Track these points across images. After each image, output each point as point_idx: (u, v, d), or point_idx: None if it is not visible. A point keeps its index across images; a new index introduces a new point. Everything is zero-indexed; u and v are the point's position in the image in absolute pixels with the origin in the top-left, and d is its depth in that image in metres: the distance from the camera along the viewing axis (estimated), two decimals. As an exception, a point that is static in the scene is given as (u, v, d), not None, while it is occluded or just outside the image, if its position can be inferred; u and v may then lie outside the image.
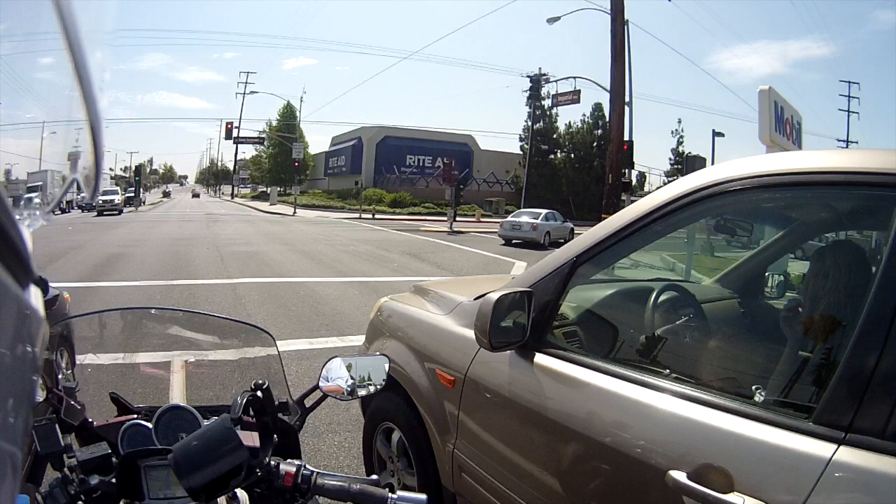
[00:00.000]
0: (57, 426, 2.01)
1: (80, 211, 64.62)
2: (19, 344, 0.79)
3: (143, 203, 77.21)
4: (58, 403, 2.33)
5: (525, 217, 35.72)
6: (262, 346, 2.76)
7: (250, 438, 2.06)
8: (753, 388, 2.42)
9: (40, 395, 2.26)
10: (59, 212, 66.01)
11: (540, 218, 35.15)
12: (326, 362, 2.46)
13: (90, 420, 2.39)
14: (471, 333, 3.34)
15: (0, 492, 0.71)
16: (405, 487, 4.23)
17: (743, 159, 2.64)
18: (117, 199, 62.44)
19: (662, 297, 3.55)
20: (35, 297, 0.87)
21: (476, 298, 3.82)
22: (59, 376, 2.63)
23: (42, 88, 1.01)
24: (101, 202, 59.03)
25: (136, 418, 2.39)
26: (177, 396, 3.06)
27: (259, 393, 2.31)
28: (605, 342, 3.42)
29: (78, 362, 2.92)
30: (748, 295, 4.32)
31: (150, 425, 2.30)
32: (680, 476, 2.22)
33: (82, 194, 1.10)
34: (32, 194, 1.23)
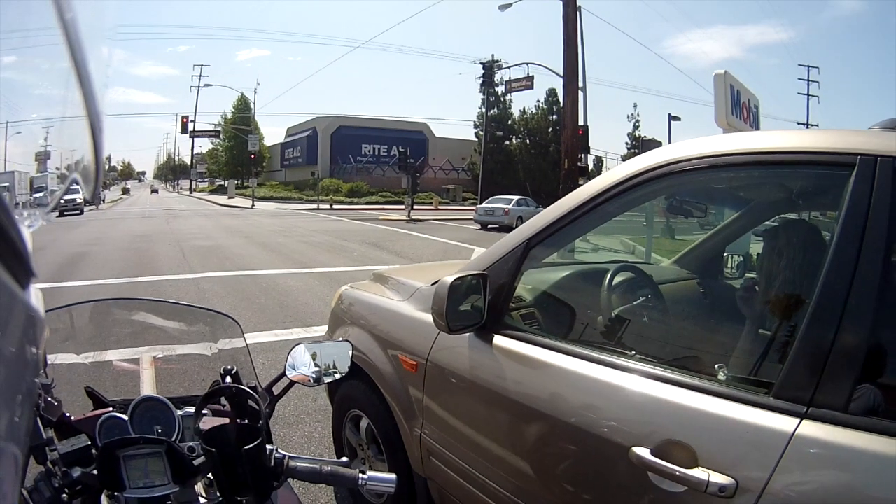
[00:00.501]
0: (38, 419, 2.01)
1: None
2: (20, 344, 0.80)
3: (104, 201, 75.70)
4: (37, 399, 2.35)
5: (499, 203, 38.77)
6: (229, 336, 2.78)
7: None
8: (715, 366, 2.47)
9: None
10: (16, 213, 65.50)
11: (512, 203, 38.30)
12: (291, 350, 2.46)
13: (68, 415, 2.41)
14: (430, 318, 3.36)
15: (6, 491, 0.73)
16: None
17: (697, 139, 2.69)
18: (79, 197, 61.55)
19: (618, 279, 3.60)
20: (35, 297, 0.87)
21: (433, 283, 3.81)
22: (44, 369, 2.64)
23: (4, 87, 1.02)
24: (62, 202, 58.01)
25: (112, 411, 2.41)
26: (148, 390, 3.09)
27: (229, 378, 2.34)
28: (562, 323, 3.48)
29: (49, 361, 2.93)
30: (706, 275, 4.39)
31: (125, 417, 2.31)
32: (643, 452, 2.27)
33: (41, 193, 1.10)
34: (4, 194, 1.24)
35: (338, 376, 2.47)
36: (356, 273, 15.76)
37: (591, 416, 2.59)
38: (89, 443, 2.09)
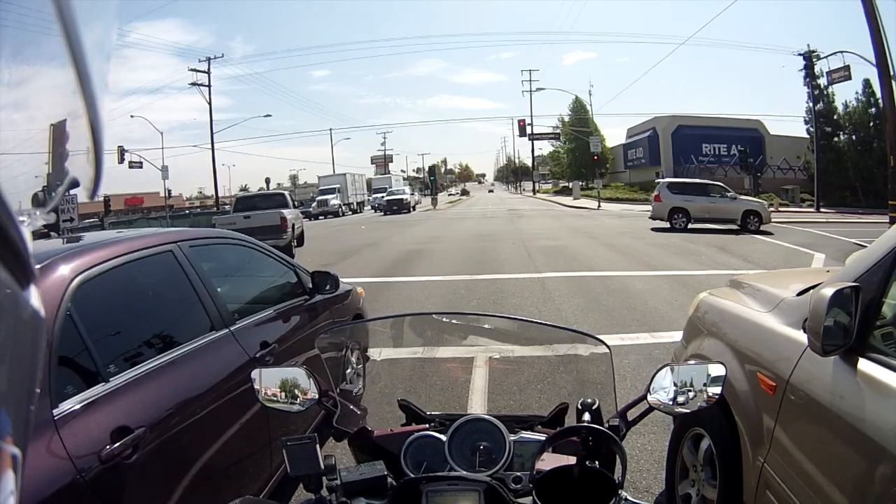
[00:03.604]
0: (317, 446, 1.95)
1: (372, 211, 68.74)
2: (18, 344, 0.81)
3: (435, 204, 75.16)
4: (332, 408, 2.35)
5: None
6: (583, 347, 2.65)
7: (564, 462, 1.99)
8: None
9: (315, 395, 2.29)
10: (350, 212, 69.14)
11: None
12: (656, 372, 2.28)
13: (370, 429, 2.39)
14: (796, 333, 3.19)
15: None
16: (703, 500, 4.09)
17: None
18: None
19: None
20: (35, 297, 0.86)
21: (799, 294, 3.59)
22: (348, 372, 2.64)
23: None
24: (386, 202, 62.61)
25: (428, 428, 2.36)
26: (478, 397, 3.03)
27: (587, 415, 2.19)
28: None
29: (372, 357, 2.96)
30: None
31: (443, 438, 2.23)
32: None
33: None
34: None
35: (702, 403, 2.22)
36: (704, 277, 15.28)
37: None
38: (384, 473, 2.00)
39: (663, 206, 31.87)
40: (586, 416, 2.22)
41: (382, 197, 68.27)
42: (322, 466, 1.93)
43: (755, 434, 3.51)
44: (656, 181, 35.32)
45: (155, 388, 3.40)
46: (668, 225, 31.47)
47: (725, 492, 3.77)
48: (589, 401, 2.28)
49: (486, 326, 3.06)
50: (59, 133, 1.00)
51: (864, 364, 2.77)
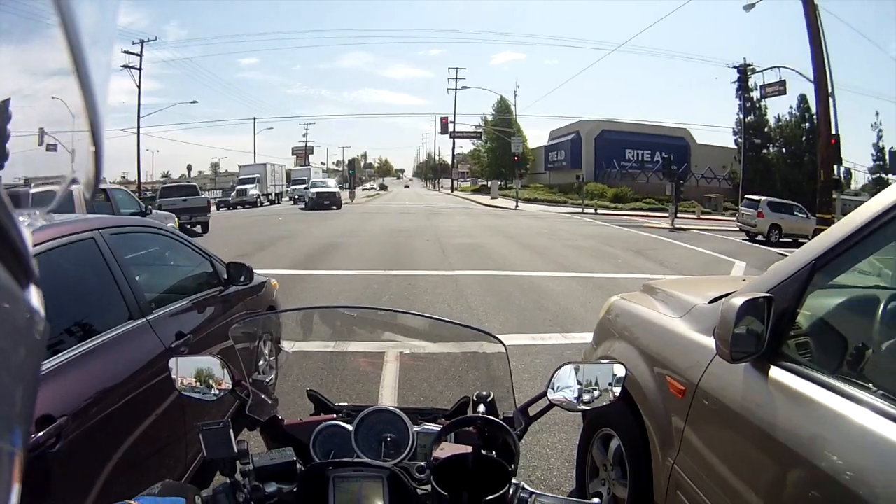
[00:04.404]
0: (231, 431, 1.96)
1: (291, 203, 67.40)
2: (18, 344, 0.80)
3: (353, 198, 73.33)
4: (245, 397, 2.37)
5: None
6: (488, 345, 2.67)
7: (461, 451, 2.02)
8: None
9: (229, 384, 2.31)
10: (269, 203, 67.66)
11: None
12: (556, 370, 2.30)
13: (280, 418, 2.42)
14: (705, 340, 3.25)
15: None
16: (615, 498, 4.16)
17: None
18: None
19: (892, 306, 3.20)
20: (35, 296, 0.86)
21: (711, 301, 3.66)
22: (261, 364, 2.63)
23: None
24: (314, 195, 56.55)
25: (336, 418, 2.38)
26: (388, 391, 3.05)
27: (482, 407, 2.23)
28: (838, 357, 3.07)
29: (284, 349, 2.97)
30: None
31: (349, 428, 2.26)
32: None
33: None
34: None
35: (606, 402, 2.27)
36: (620, 280, 15.58)
37: (852, 467, 2.29)
38: (293, 459, 2.03)
39: (765, 222, 34.75)
40: (481, 408, 2.27)
41: (305, 188, 64.15)
42: (235, 451, 1.93)
43: (664, 436, 3.57)
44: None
45: (75, 376, 3.35)
46: (762, 238, 34.03)
47: (636, 491, 3.84)
48: (484, 393, 2.34)
49: (398, 322, 3.10)
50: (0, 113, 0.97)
51: (775, 372, 2.83)
